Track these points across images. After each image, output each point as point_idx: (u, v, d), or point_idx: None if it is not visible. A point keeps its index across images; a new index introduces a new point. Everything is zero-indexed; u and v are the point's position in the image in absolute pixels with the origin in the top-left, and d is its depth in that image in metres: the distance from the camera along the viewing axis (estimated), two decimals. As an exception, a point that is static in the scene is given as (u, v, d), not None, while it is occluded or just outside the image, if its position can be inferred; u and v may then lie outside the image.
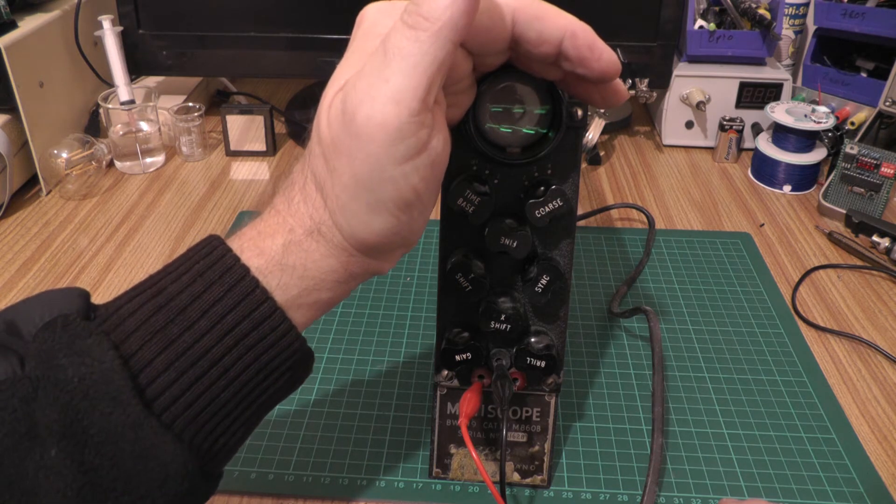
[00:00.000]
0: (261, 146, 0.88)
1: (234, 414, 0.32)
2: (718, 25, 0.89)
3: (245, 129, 0.88)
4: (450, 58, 0.29)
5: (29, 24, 0.79)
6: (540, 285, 0.40)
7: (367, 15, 0.32)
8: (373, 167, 0.30)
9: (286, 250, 0.32)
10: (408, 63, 0.28)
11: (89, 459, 0.28)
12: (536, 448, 0.46)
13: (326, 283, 0.33)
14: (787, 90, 0.87)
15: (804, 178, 0.81)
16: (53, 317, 0.30)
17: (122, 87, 0.83)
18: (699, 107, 0.86)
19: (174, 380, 0.30)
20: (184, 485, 0.30)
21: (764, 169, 0.83)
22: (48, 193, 0.80)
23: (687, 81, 0.88)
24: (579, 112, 0.37)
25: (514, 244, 0.39)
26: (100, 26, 0.83)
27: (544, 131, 0.37)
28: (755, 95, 0.87)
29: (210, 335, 0.31)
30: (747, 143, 0.89)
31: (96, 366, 0.29)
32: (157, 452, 0.29)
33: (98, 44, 0.86)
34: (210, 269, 0.32)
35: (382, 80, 0.29)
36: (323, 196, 0.32)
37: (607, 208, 0.77)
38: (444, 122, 0.32)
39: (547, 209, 0.38)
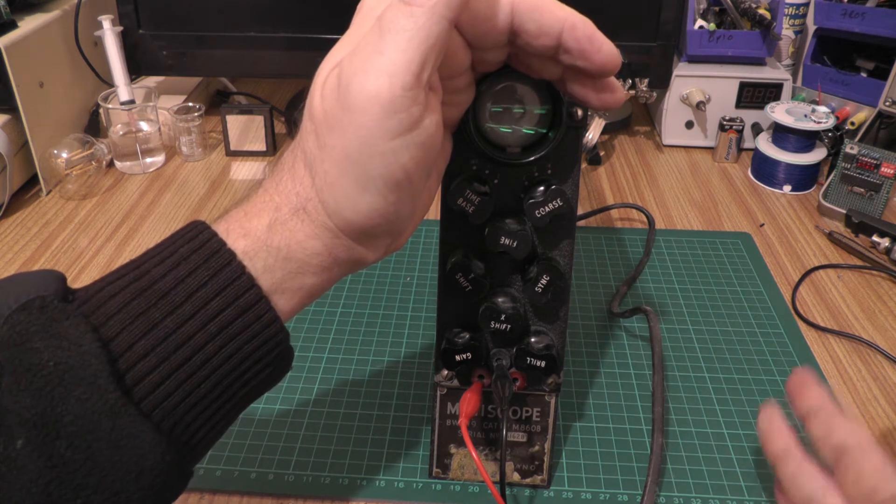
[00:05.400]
0: (261, 146, 0.88)
1: (214, 406, 0.31)
2: (718, 25, 0.89)
3: (245, 129, 0.88)
4: (444, 36, 0.29)
5: (29, 24, 0.79)
6: (540, 285, 0.40)
7: (366, 1, 0.33)
8: (364, 140, 0.30)
9: (271, 230, 0.32)
10: (402, 37, 0.29)
11: (60, 451, 0.27)
12: (536, 448, 0.46)
13: (311, 266, 0.33)
14: (787, 90, 0.87)
15: (804, 178, 0.81)
16: (30, 298, 0.28)
17: (122, 87, 0.83)
18: (699, 107, 0.86)
19: (155, 366, 0.29)
20: (159, 479, 0.29)
21: (764, 169, 0.83)
22: (48, 193, 0.80)
23: (687, 81, 0.88)
24: (579, 112, 0.37)
25: (514, 244, 0.39)
26: (100, 26, 0.83)
27: (544, 131, 0.37)
28: (755, 95, 0.87)
29: (193, 321, 0.30)
30: (747, 143, 0.89)
31: (73, 349, 0.27)
32: (135, 442, 0.28)
33: (98, 44, 0.86)
34: (195, 253, 0.31)
35: (377, 53, 0.29)
36: (311, 174, 0.32)
37: (607, 208, 0.77)
38: (438, 108, 0.32)
39: (547, 209, 0.38)
